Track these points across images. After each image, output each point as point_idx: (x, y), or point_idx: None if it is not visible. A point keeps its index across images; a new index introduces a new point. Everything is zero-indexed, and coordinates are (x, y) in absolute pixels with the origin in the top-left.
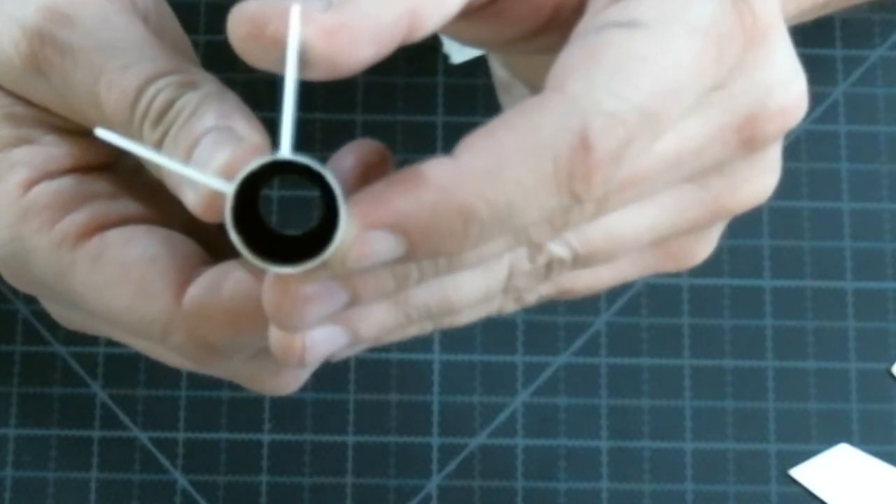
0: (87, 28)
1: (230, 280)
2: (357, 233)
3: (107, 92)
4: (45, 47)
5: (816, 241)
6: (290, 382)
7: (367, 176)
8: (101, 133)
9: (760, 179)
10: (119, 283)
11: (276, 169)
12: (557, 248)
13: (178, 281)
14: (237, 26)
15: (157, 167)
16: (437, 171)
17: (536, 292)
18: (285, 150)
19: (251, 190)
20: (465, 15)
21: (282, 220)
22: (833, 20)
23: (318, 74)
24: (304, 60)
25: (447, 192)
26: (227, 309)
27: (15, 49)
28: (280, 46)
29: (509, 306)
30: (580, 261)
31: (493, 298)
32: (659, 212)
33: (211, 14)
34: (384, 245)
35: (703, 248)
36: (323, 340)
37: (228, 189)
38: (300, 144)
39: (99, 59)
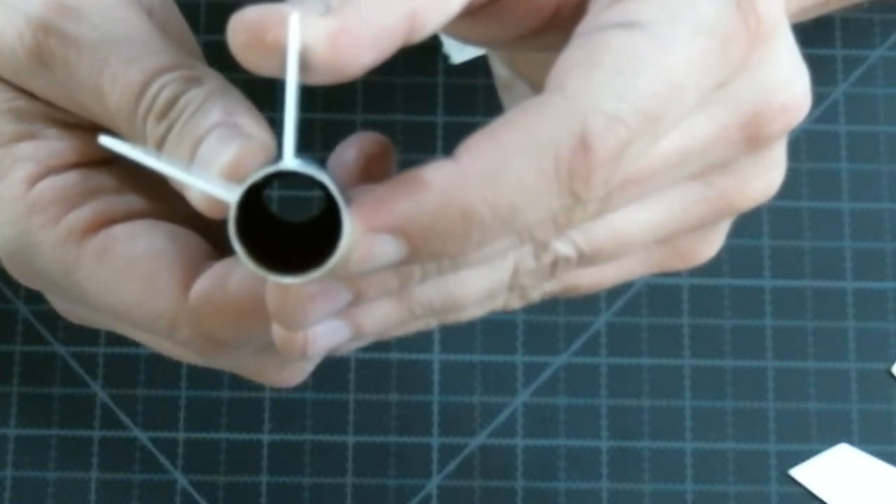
0: (91, 21)
1: (236, 275)
2: (359, 237)
3: (111, 85)
4: (49, 39)
5: (816, 241)
6: (296, 374)
7: (369, 168)
8: (105, 140)
9: (766, 176)
10: (125, 278)
11: (279, 176)
12: (562, 247)
13: (184, 275)
14: (237, 34)
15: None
16: (438, 174)
17: (541, 290)
18: (288, 159)
19: (253, 192)
20: (466, 14)
21: None
22: (833, 20)
23: (319, 79)
24: (304, 65)
25: (448, 194)
26: (233, 303)
27: (20, 41)
28: (280, 53)
29: (514, 303)
30: (585, 259)
31: (497, 295)
32: (664, 210)
33: (211, 14)
34: (386, 248)
35: (710, 246)
36: (326, 334)
37: (232, 198)
38: (300, 145)
39: (103, 52)
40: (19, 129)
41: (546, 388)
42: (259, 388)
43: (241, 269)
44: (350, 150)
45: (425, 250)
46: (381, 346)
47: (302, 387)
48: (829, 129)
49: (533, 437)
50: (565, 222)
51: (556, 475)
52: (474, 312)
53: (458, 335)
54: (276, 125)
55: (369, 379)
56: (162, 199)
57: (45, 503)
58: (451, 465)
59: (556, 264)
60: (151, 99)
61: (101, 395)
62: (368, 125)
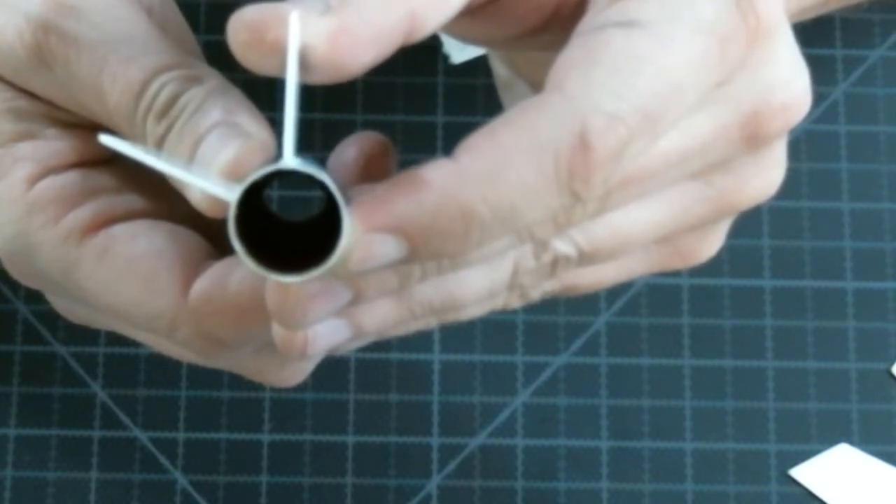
0: (91, 19)
1: (236, 274)
2: (359, 236)
3: (111, 84)
4: (49, 38)
5: (816, 241)
6: (296, 374)
7: (369, 168)
8: (105, 139)
9: (765, 175)
10: (125, 278)
11: (279, 175)
12: (562, 246)
13: (185, 275)
14: (237, 33)
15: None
16: (438, 174)
17: (541, 289)
18: (288, 158)
19: (253, 191)
20: (466, 14)
21: None
22: (833, 20)
23: (319, 78)
24: (304, 65)
25: (448, 194)
26: (233, 303)
27: (20, 40)
28: (280, 52)
29: (514, 302)
30: (585, 258)
31: (497, 295)
32: (664, 209)
33: (211, 14)
34: (386, 248)
35: (710, 245)
36: (326, 334)
37: (232, 197)
38: (300, 145)
39: (103, 51)
40: (19, 129)
41: (546, 388)
42: (259, 388)
43: (241, 268)
44: (350, 150)
45: (425, 250)
46: (381, 346)
47: (302, 387)
48: (829, 129)
49: (533, 437)
50: (565, 221)
51: (556, 475)
52: (474, 312)
53: (458, 335)
54: (276, 125)
55: (369, 379)
56: (162, 199)
57: (45, 503)
58: (451, 465)
59: (556, 263)
60: (151, 98)
61: (101, 395)
62: (368, 125)
